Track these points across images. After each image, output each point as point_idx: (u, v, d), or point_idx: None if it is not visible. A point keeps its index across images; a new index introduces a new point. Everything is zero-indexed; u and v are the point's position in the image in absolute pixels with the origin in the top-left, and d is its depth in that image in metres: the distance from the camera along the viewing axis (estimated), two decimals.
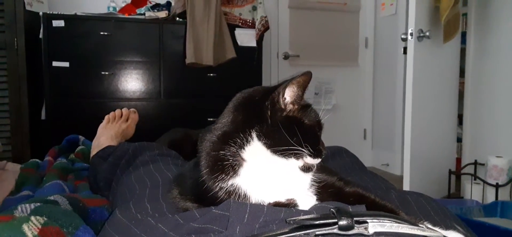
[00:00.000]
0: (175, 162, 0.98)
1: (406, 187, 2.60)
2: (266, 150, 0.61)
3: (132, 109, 1.71)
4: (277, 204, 0.59)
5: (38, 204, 0.75)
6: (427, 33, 2.52)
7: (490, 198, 2.52)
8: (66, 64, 2.69)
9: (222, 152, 0.61)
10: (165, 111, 2.94)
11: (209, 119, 2.99)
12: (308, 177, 0.65)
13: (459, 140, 3.09)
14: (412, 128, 2.54)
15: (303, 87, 0.62)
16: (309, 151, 0.61)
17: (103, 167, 1.11)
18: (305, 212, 0.54)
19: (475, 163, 2.81)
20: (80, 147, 1.69)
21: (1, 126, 2.70)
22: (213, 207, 0.56)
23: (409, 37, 2.50)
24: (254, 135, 0.61)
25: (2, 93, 2.68)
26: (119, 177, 0.99)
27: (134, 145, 1.08)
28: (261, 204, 0.58)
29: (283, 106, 0.62)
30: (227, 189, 0.60)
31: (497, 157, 2.56)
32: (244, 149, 0.61)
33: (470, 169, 2.80)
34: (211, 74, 2.97)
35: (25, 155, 2.69)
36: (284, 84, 0.62)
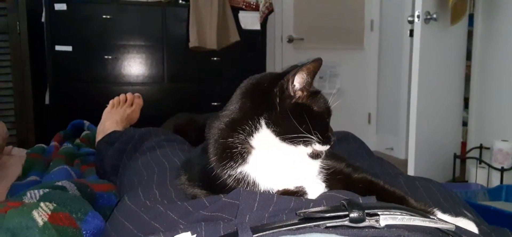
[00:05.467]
0: (181, 147, 0.97)
1: (410, 171, 2.60)
2: (275, 137, 0.60)
3: (136, 94, 1.70)
4: (286, 192, 0.59)
5: (47, 190, 0.76)
6: (434, 15, 2.48)
7: (495, 182, 2.52)
8: (69, 48, 2.68)
9: (230, 140, 0.60)
10: (168, 95, 2.94)
11: (213, 103, 2.98)
12: (317, 163, 0.65)
13: (465, 123, 3.08)
14: (417, 112, 2.53)
15: (312, 74, 0.61)
16: (318, 138, 0.61)
17: (110, 153, 1.11)
18: (315, 202, 0.53)
19: (481, 147, 2.79)
20: (85, 132, 1.69)
21: (5, 110, 2.71)
22: (223, 195, 0.56)
23: (416, 19, 2.47)
24: (262, 122, 0.60)
25: (6, 78, 2.68)
26: (126, 162, 0.99)
27: (140, 130, 1.08)
28: (271, 193, 0.57)
29: (292, 93, 0.61)
30: (235, 176, 0.59)
31: (503, 140, 2.54)
32: (252, 136, 0.60)
33: (475, 153, 2.79)
34: (215, 58, 2.96)
35: (29, 139, 2.71)
36: (293, 71, 0.60)
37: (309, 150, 0.62)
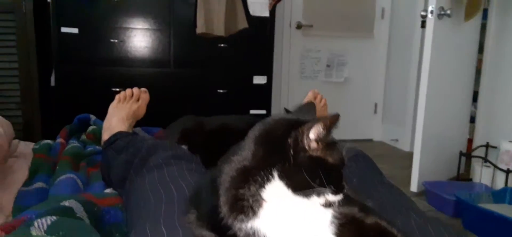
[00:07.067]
0: (188, 166, 0.96)
1: (415, 165, 2.59)
2: (287, 189, 0.59)
3: (143, 89, 1.68)
4: None
5: (54, 218, 0.75)
6: (448, 11, 2.42)
7: (500, 182, 2.51)
8: (75, 30, 2.64)
9: (241, 191, 0.59)
10: (174, 80, 2.92)
11: (218, 90, 2.96)
12: (329, 212, 0.63)
13: (472, 120, 3.05)
14: (425, 108, 2.51)
15: (329, 129, 0.59)
16: (332, 189, 0.60)
17: (117, 163, 1.10)
18: None
19: (487, 145, 2.78)
20: (91, 127, 1.68)
21: (11, 90, 2.70)
22: None
23: (429, 15, 2.42)
24: (275, 174, 0.59)
25: (11, 58, 2.66)
26: (133, 177, 0.98)
27: (148, 143, 1.07)
28: None
29: (306, 147, 0.59)
30: (246, 231, 0.58)
31: (510, 141, 2.52)
32: (264, 188, 0.59)
33: (481, 151, 2.77)
34: (222, 45, 2.91)
35: (35, 120, 2.71)
36: (309, 124, 0.58)
37: (322, 200, 0.61)
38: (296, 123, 0.61)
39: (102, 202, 0.97)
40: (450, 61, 2.63)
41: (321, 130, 0.59)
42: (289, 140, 0.59)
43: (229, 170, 0.63)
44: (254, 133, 0.64)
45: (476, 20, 2.76)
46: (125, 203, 0.98)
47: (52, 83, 2.71)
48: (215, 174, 0.66)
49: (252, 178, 0.59)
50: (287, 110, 1.39)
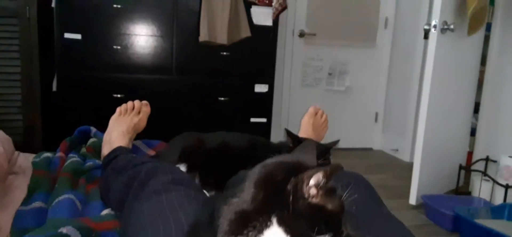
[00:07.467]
0: (187, 193, 0.96)
1: (415, 176, 2.59)
2: (286, 236, 0.59)
3: (144, 101, 1.68)
4: None
5: None
6: (452, 26, 2.42)
7: (498, 197, 2.51)
8: (78, 36, 2.64)
9: None
10: (176, 88, 2.91)
11: (219, 98, 2.96)
12: None
13: (473, 132, 3.05)
14: (426, 120, 2.51)
15: (330, 177, 0.59)
16: (330, 236, 0.59)
17: (116, 186, 1.10)
18: None
19: (487, 159, 2.78)
20: (91, 140, 1.68)
21: (12, 95, 2.70)
22: None
23: (432, 29, 2.42)
24: (274, 220, 0.58)
25: (14, 63, 2.66)
26: (131, 201, 0.98)
27: (147, 166, 1.06)
28: None
29: (306, 195, 0.59)
30: None
31: (510, 157, 2.51)
32: (262, 233, 0.59)
33: (481, 165, 2.77)
34: (224, 53, 2.91)
35: (36, 125, 2.71)
36: (309, 172, 0.58)
37: None
38: (296, 168, 0.61)
39: (99, 226, 0.97)
40: (452, 73, 2.63)
41: (321, 177, 0.59)
42: (288, 186, 0.59)
43: (227, 212, 0.62)
44: (254, 175, 0.64)
45: (479, 33, 2.76)
46: (122, 226, 0.98)
47: (54, 88, 2.71)
48: (214, 212, 0.66)
49: (251, 223, 0.59)
50: (287, 132, 1.39)
